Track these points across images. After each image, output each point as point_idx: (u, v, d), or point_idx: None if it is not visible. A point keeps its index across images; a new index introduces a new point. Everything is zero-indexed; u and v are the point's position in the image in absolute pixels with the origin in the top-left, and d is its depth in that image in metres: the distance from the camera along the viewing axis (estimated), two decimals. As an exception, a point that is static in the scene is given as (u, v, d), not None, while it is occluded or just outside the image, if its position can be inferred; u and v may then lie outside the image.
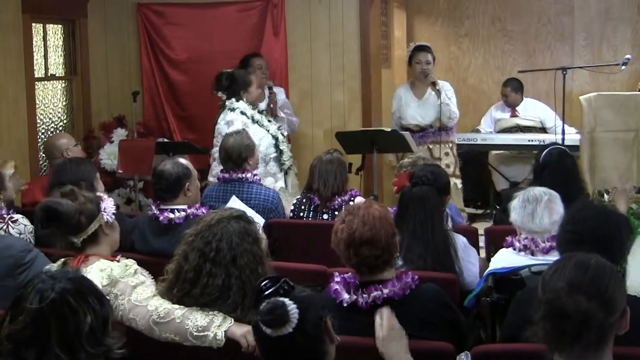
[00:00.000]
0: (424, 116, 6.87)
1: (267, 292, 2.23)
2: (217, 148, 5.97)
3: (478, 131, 8.13)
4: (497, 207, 7.05)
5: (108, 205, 3.32)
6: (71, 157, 5.03)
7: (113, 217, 3.33)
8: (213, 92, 6.17)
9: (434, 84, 6.70)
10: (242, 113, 6.01)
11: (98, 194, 3.43)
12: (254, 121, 6.02)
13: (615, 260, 2.92)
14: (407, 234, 3.72)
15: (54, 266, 3.27)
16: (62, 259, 3.27)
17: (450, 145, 7.00)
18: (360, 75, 7.22)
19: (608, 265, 2.23)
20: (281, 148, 6.07)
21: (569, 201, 3.60)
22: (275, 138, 6.08)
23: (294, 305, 2.17)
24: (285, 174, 6.17)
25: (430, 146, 6.89)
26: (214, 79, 6.19)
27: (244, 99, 6.08)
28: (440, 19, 9.33)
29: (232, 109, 6.03)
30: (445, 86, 6.86)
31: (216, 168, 5.98)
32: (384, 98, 7.68)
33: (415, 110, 6.89)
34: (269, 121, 6.17)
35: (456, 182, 6.97)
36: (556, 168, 4.68)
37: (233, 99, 6.07)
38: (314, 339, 2.21)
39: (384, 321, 2.76)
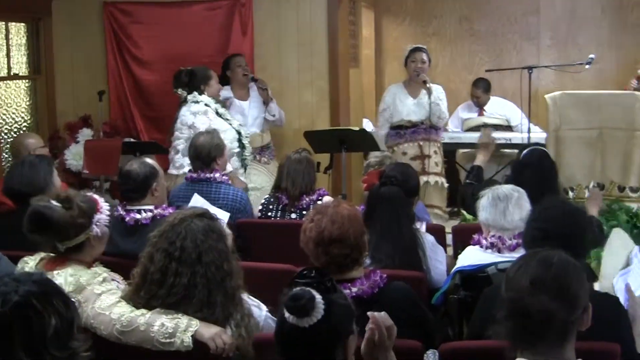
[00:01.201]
0: (418, 114, 6.93)
1: (300, 280, 2.22)
2: (181, 140, 5.96)
3: (445, 130, 8.16)
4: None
5: (102, 216, 3.23)
6: (26, 156, 4.79)
7: (105, 228, 3.26)
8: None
9: (424, 82, 6.76)
10: (207, 105, 6.02)
11: (95, 197, 3.29)
12: (217, 114, 6.03)
13: (579, 256, 2.96)
14: (375, 233, 3.72)
15: (31, 259, 3.23)
16: (41, 255, 3.23)
17: (438, 145, 7.08)
18: (329, 75, 7.22)
19: (571, 261, 2.23)
20: (244, 142, 6.08)
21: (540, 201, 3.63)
22: (239, 133, 6.08)
23: (323, 306, 2.15)
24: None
25: (421, 143, 6.95)
26: (173, 77, 6.18)
27: (206, 93, 6.08)
28: (408, 18, 9.37)
29: (196, 102, 6.03)
30: (437, 89, 6.96)
31: (179, 160, 5.96)
32: (353, 97, 7.68)
33: (410, 107, 6.94)
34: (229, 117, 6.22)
35: (443, 181, 7.05)
36: (535, 168, 4.73)
37: (195, 93, 6.06)
38: (327, 347, 2.20)
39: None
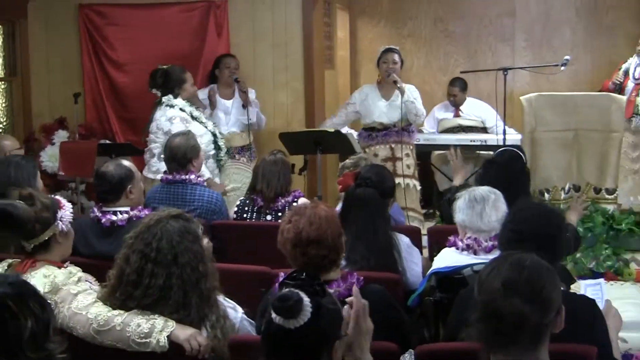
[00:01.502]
0: (390, 116, 6.95)
1: (289, 282, 2.22)
2: (157, 144, 5.93)
3: (420, 131, 8.19)
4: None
5: (65, 213, 3.25)
6: (11, 157, 4.82)
7: (69, 225, 3.27)
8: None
9: (395, 82, 6.78)
10: (182, 110, 6.01)
11: (57, 197, 3.34)
12: (193, 118, 6.03)
13: (556, 258, 2.98)
14: (350, 234, 3.72)
15: None
16: (8, 262, 3.22)
17: (411, 147, 7.11)
18: (304, 77, 7.24)
19: (544, 265, 2.23)
20: (219, 144, 6.08)
21: (509, 202, 3.66)
22: (214, 135, 6.08)
23: (310, 308, 2.14)
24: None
25: (393, 145, 6.97)
26: (149, 76, 6.16)
27: (180, 96, 6.08)
28: (383, 20, 9.39)
29: (171, 106, 6.02)
30: (410, 88, 6.98)
31: (156, 164, 5.94)
32: (328, 99, 7.70)
33: (382, 109, 6.97)
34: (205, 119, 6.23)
35: (415, 184, 7.08)
36: (500, 166, 4.75)
37: (170, 96, 6.05)
38: (313, 350, 2.19)
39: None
